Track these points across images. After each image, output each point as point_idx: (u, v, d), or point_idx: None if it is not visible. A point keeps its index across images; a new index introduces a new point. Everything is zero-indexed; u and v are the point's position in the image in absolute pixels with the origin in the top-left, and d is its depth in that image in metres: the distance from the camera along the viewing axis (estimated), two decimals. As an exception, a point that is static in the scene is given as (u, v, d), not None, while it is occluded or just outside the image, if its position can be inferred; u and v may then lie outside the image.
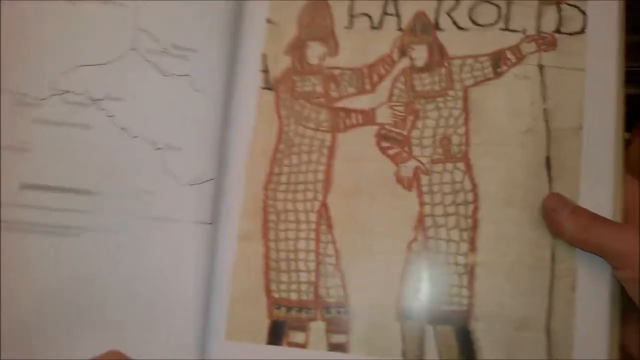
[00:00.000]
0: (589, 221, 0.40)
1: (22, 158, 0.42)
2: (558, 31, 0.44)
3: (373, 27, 0.46)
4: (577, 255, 0.41)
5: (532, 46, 0.44)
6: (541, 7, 0.44)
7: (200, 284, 0.44)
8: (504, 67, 0.44)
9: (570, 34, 0.44)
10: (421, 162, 0.44)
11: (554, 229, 0.41)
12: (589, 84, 0.43)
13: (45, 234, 0.41)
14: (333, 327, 0.43)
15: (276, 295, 0.44)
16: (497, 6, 0.45)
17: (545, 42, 0.44)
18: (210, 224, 0.44)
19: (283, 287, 0.44)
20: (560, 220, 0.40)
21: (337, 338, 0.42)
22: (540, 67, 0.44)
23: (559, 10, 0.44)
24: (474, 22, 0.45)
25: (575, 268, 0.40)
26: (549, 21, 0.44)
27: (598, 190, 0.41)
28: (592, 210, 0.40)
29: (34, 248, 0.41)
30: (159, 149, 0.44)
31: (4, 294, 0.40)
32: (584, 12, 0.44)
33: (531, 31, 0.44)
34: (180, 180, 0.44)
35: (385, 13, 0.46)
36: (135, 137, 0.43)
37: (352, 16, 0.47)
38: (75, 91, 0.43)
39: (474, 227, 0.42)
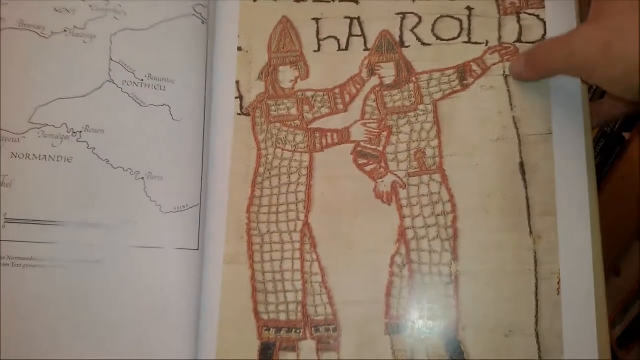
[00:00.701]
0: (536, 60, 0.42)
1: (3, 193, 0.42)
2: (519, 41, 0.46)
3: (340, 50, 0.48)
4: (560, 256, 0.41)
5: (495, 57, 0.45)
6: (502, 18, 0.46)
7: (190, 310, 0.44)
8: (470, 79, 0.45)
9: (531, 42, 0.45)
10: (398, 177, 0.45)
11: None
12: (554, 89, 0.44)
13: (31, 268, 0.41)
14: (323, 345, 0.43)
15: (265, 317, 0.44)
16: (459, 20, 0.46)
17: (508, 52, 0.45)
18: (197, 250, 0.45)
19: (271, 308, 0.44)
20: (525, 77, 0.44)
21: (328, 356, 0.43)
22: (505, 77, 0.45)
23: (519, 20, 0.46)
24: (438, 37, 0.47)
25: (558, 270, 0.41)
26: (510, 32, 0.46)
27: (574, 192, 0.42)
28: (571, 211, 0.41)
29: (21, 282, 0.41)
30: (141, 178, 0.44)
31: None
32: (543, 21, 0.45)
33: (494, 42, 0.46)
34: (163, 209, 0.44)
35: (351, 35, 0.48)
36: (117, 168, 0.44)
37: (320, 40, 0.48)
38: (55, 124, 0.43)
39: (455, 236, 0.43)
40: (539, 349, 0.41)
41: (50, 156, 0.42)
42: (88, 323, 0.41)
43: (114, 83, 0.44)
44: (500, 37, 0.46)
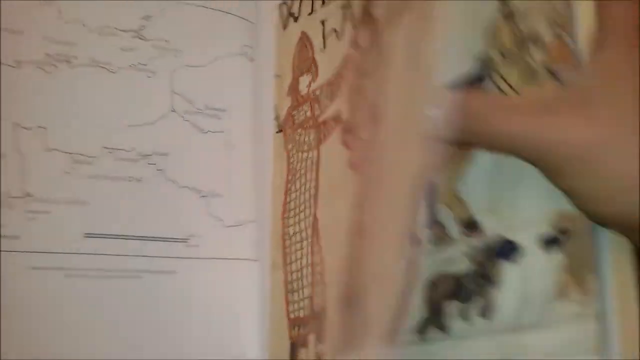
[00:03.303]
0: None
1: (82, 211, 0.46)
2: None
3: (338, 39, 0.47)
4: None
5: None
6: None
7: (253, 316, 0.48)
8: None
9: None
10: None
11: None
12: None
13: (108, 278, 0.46)
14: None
15: (292, 315, 0.45)
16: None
17: None
18: (256, 260, 0.49)
19: (296, 306, 0.45)
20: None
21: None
22: None
23: None
24: None
25: None
26: None
27: None
28: None
29: (98, 292, 0.46)
30: (204, 196, 0.51)
31: (72, 338, 0.45)
32: None
33: None
34: (225, 223, 0.50)
35: (345, 19, 0.47)
36: (182, 187, 0.50)
37: (324, 37, 0.49)
38: (125, 148, 0.51)
39: None
40: None
41: (122, 177, 0.49)
42: (161, 329, 0.48)
43: (177, 112, 0.52)
44: None
